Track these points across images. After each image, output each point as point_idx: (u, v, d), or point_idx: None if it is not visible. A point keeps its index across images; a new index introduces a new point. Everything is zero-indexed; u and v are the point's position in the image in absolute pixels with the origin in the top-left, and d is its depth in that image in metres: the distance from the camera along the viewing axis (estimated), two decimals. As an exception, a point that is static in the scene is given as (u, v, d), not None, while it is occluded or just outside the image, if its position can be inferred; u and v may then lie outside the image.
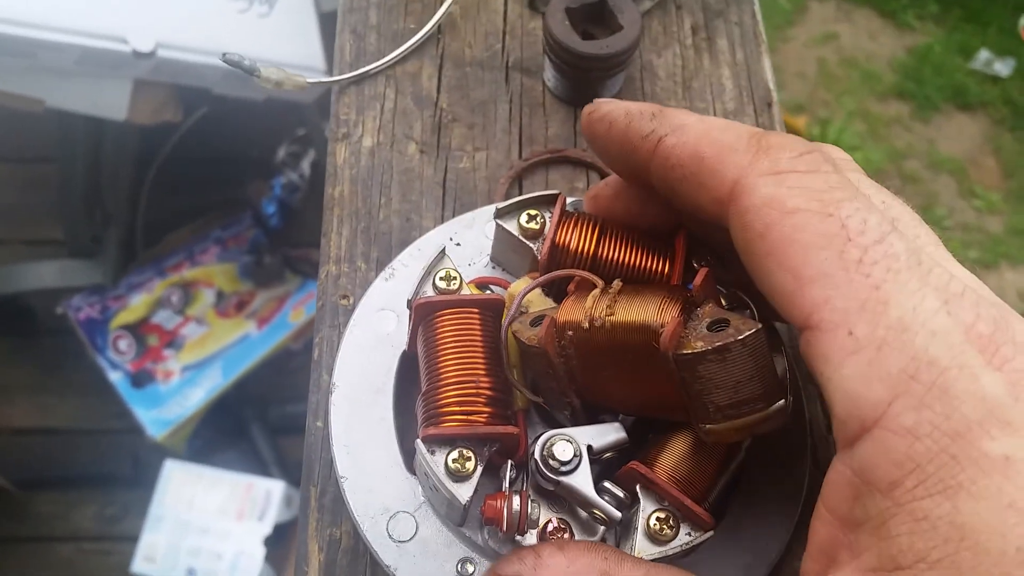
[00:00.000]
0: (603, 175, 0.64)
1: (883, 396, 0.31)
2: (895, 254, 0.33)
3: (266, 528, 1.81)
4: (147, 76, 1.47)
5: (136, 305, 1.94)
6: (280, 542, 1.82)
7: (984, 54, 2.96)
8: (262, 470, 1.92)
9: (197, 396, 1.90)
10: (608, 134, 0.45)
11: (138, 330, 1.93)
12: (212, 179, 2.07)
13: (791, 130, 2.72)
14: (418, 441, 0.45)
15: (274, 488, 1.83)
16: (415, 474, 0.51)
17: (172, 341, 1.94)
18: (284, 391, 1.98)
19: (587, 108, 0.46)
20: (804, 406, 0.55)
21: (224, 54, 0.59)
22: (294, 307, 2.01)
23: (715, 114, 0.67)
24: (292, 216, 2.09)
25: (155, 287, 1.97)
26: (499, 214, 0.53)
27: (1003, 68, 2.94)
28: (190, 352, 1.94)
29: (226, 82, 1.56)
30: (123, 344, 1.91)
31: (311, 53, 1.56)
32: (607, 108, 0.45)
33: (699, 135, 0.40)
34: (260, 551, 1.80)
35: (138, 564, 1.80)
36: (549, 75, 0.66)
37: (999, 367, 0.30)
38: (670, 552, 0.44)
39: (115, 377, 1.87)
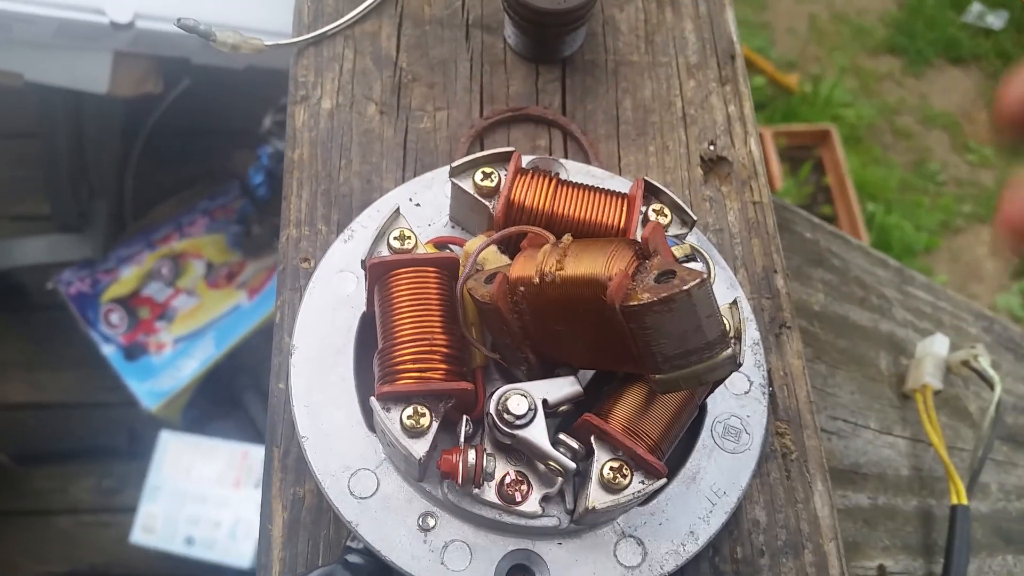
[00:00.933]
0: (566, 133, 0.64)
1: None
2: None
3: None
4: (127, 48, 1.46)
5: (127, 278, 1.94)
6: (277, 509, 1.84)
7: (976, 7, 2.93)
8: (257, 438, 1.93)
9: (190, 367, 1.90)
10: None
11: (129, 303, 1.93)
12: (198, 150, 2.06)
13: (783, 87, 2.71)
14: (372, 399, 0.46)
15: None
16: (376, 432, 0.51)
17: (163, 313, 1.94)
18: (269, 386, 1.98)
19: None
20: (763, 358, 0.56)
21: (179, 19, 0.58)
22: (284, 276, 2.00)
23: (677, 68, 0.66)
24: (279, 185, 2.09)
25: (145, 260, 1.96)
26: (454, 172, 0.53)
27: (996, 21, 2.91)
28: (182, 323, 1.94)
29: (205, 52, 1.54)
30: (115, 317, 1.91)
31: (288, 19, 1.55)
32: None
33: None
34: (258, 518, 1.82)
35: (137, 534, 1.82)
36: (509, 32, 0.65)
37: None
38: (623, 500, 0.45)
39: (108, 350, 1.87)
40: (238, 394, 2.00)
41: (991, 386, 0.79)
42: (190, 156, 2.05)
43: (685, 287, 0.38)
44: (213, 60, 1.59)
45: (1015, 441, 0.91)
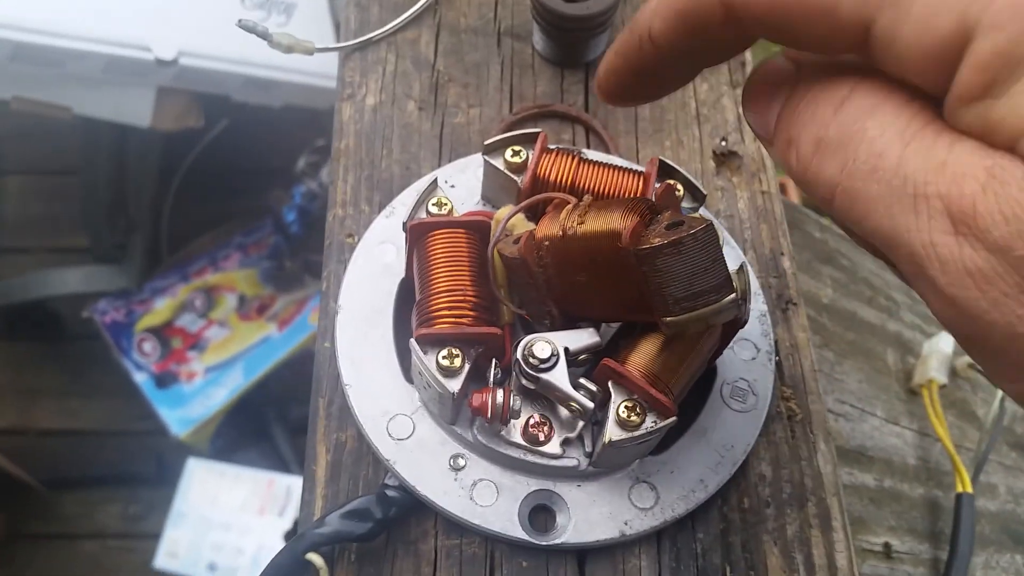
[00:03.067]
0: (588, 128, 0.69)
1: None
2: None
3: (286, 523, 1.86)
4: (169, 83, 1.54)
5: (160, 309, 2.01)
6: (300, 538, 1.86)
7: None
8: (283, 467, 1.97)
9: (220, 396, 1.95)
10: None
11: (162, 333, 1.99)
12: (234, 188, 2.14)
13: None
14: (412, 340, 0.51)
15: (294, 484, 1.87)
16: (412, 382, 0.56)
17: (196, 343, 2.00)
18: (304, 391, 2.01)
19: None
20: (770, 328, 0.60)
21: (240, 19, 0.65)
22: (314, 310, 2.06)
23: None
24: (311, 223, 2.16)
25: (179, 291, 2.03)
26: (487, 150, 0.58)
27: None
28: (213, 354, 1.99)
29: (245, 89, 1.62)
30: (148, 346, 1.97)
31: (328, 59, 1.63)
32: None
33: None
34: (281, 546, 1.84)
35: (161, 559, 1.85)
36: (537, 38, 0.71)
37: None
38: (637, 436, 0.49)
39: (140, 378, 1.93)
40: (265, 424, 2.04)
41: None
42: (226, 193, 2.13)
43: (692, 231, 0.43)
44: (252, 98, 1.67)
45: (1023, 448, 0.94)
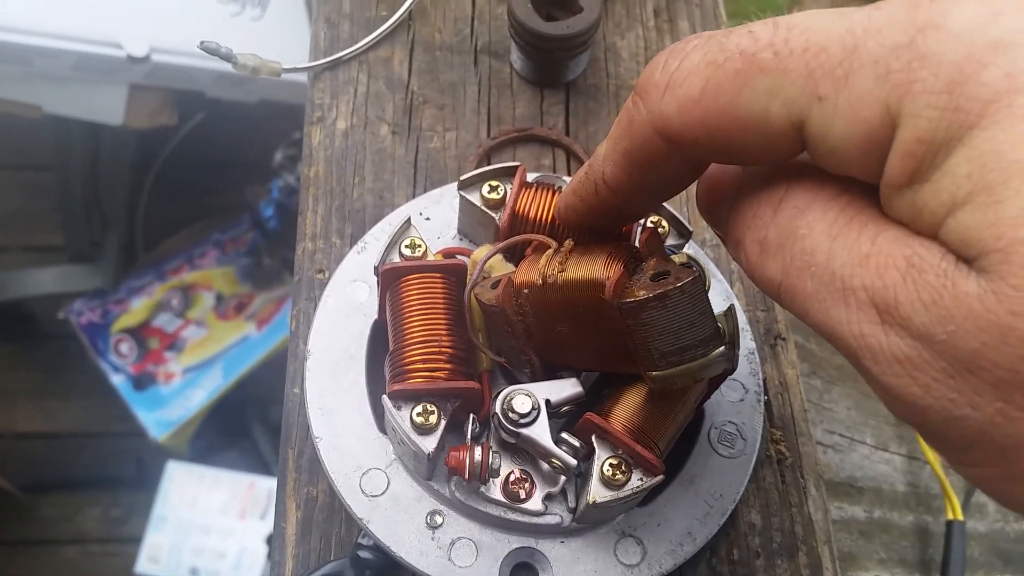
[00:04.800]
0: (569, 152, 0.66)
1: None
2: None
3: (268, 527, 1.83)
4: (142, 80, 1.50)
5: (137, 309, 1.97)
6: (282, 539, 1.84)
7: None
8: (264, 469, 1.95)
9: (198, 397, 1.92)
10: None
11: (139, 333, 1.95)
12: (210, 183, 2.10)
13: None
14: (384, 397, 0.48)
15: (276, 487, 1.85)
16: (386, 433, 0.53)
17: (173, 344, 1.97)
18: (284, 391, 2.00)
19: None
20: (758, 367, 0.58)
21: (202, 42, 0.61)
22: (293, 308, 2.03)
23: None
24: (290, 218, 2.12)
25: (155, 291, 1.99)
26: (462, 185, 0.55)
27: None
28: (191, 354, 1.96)
29: (219, 85, 1.59)
30: (124, 347, 1.94)
31: (303, 54, 1.59)
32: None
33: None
34: (263, 549, 1.82)
35: (142, 564, 1.83)
36: (515, 57, 0.68)
37: None
38: (623, 496, 0.46)
39: (117, 380, 1.89)
40: (245, 425, 2.01)
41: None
42: (202, 189, 2.09)
43: (679, 284, 0.40)
44: (227, 94, 1.63)
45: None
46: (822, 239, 0.29)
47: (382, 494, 0.52)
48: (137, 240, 2.02)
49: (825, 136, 0.28)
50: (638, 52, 0.71)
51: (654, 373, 0.44)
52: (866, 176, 0.29)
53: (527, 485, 0.50)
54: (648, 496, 0.53)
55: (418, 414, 0.48)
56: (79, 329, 1.92)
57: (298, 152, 2.16)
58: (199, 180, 2.08)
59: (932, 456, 0.77)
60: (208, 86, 1.58)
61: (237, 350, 1.98)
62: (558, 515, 0.51)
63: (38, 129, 1.72)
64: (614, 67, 0.70)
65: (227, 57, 0.63)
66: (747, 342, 0.58)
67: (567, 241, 0.49)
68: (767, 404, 0.58)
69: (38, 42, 1.33)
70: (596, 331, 0.46)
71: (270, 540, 1.81)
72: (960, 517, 0.75)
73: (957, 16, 0.26)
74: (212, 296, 2.02)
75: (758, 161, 0.33)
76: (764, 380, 0.58)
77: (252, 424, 2.01)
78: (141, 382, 1.91)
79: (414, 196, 0.64)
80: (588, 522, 0.51)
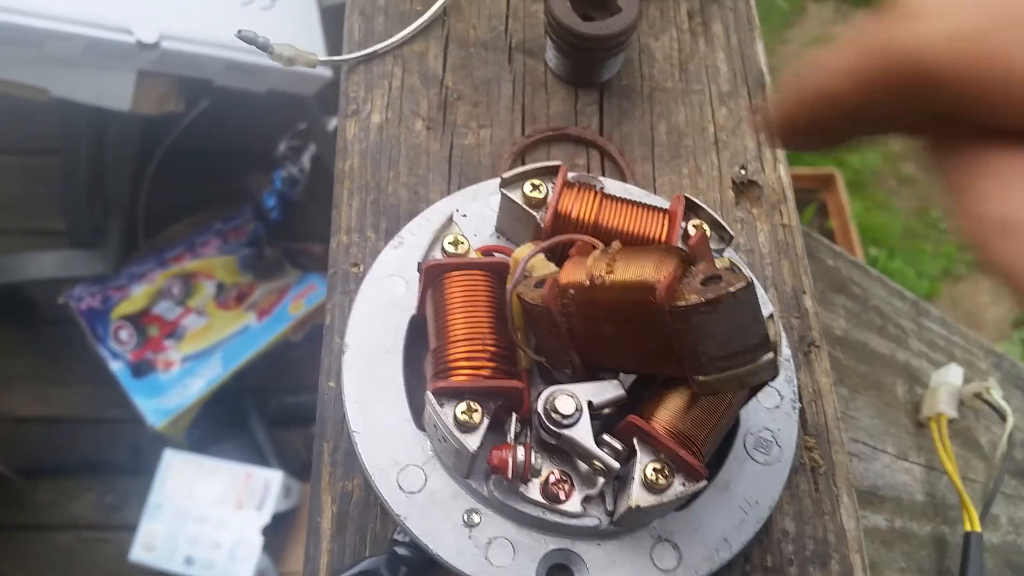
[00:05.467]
0: (603, 153, 0.66)
1: None
2: None
3: (264, 517, 1.82)
4: (151, 67, 1.49)
5: (137, 296, 1.96)
6: (278, 532, 1.84)
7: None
8: (261, 460, 1.94)
9: (197, 386, 1.91)
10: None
11: (139, 320, 1.94)
12: (213, 172, 2.09)
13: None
14: (428, 393, 0.48)
15: (273, 478, 1.84)
16: (424, 430, 0.53)
17: (173, 332, 1.96)
18: (283, 383, 2.00)
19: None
20: (793, 374, 0.58)
21: (240, 30, 0.61)
22: (294, 299, 2.02)
23: (710, 96, 0.69)
24: (292, 209, 2.11)
25: (156, 278, 1.98)
26: (504, 184, 0.55)
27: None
28: (190, 343, 1.95)
29: (229, 73, 1.58)
30: (124, 334, 1.93)
31: (313, 45, 1.58)
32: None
33: None
34: (258, 540, 1.82)
35: (136, 552, 1.81)
36: (550, 55, 0.68)
37: None
38: (665, 500, 0.46)
39: (116, 367, 1.88)
40: (243, 415, 2.01)
41: (1003, 418, 0.81)
42: (205, 177, 2.08)
43: (732, 289, 0.40)
44: (236, 82, 1.62)
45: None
46: None
47: (419, 491, 0.51)
48: (139, 227, 2.01)
49: None
50: (672, 54, 0.71)
51: (701, 378, 0.44)
52: None
53: (566, 487, 0.50)
54: (684, 501, 0.53)
55: (462, 412, 0.47)
56: (79, 314, 1.91)
57: (302, 143, 2.15)
58: (202, 168, 2.07)
59: (952, 468, 0.77)
60: (217, 74, 1.57)
61: (237, 340, 1.97)
62: (596, 517, 0.51)
63: (42, 114, 1.71)
64: (648, 69, 0.70)
65: (264, 47, 0.62)
66: (783, 348, 0.58)
67: (614, 242, 0.48)
68: (801, 411, 0.58)
69: (50, 25, 1.32)
70: (642, 333, 0.46)
71: (266, 531, 1.81)
72: (978, 529, 0.75)
73: None
74: (213, 285, 2.01)
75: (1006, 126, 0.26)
76: (799, 387, 0.58)
77: (250, 415, 2.00)
78: (140, 369, 1.90)
79: (448, 192, 0.63)
80: (626, 526, 0.51)
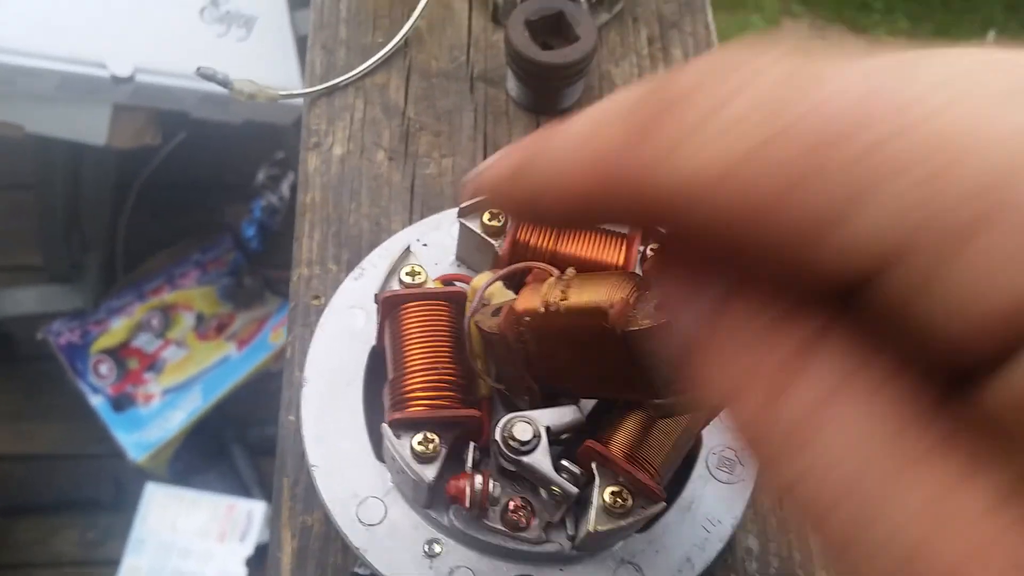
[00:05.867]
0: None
1: None
2: None
3: (248, 549, 1.81)
4: (126, 100, 1.49)
5: (116, 329, 1.95)
6: (262, 563, 1.82)
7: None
8: (243, 491, 1.93)
9: (178, 418, 1.90)
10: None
11: (118, 354, 1.93)
12: (191, 203, 2.09)
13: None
14: (384, 425, 0.48)
15: (255, 509, 1.83)
16: (384, 461, 0.53)
17: (152, 364, 1.95)
18: (264, 412, 1.99)
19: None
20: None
21: (199, 68, 0.61)
22: (274, 328, 2.02)
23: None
24: (272, 238, 2.11)
25: (135, 311, 1.98)
26: (462, 213, 0.55)
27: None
28: (170, 375, 1.94)
29: (204, 106, 1.58)
30: (104, 368, 1.92)
31: (289, 76, 1.59)
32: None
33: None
34: (242, 572, 1.80)
35: (120, 588, 1.80)
36: (511, 85, 0.69)
37: None
38: (624, 524, 0.46)
39: (96, 401, 1.87)
40: (225, 446, 2.00)
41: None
42: (183, 208, 2.08)
43: (684, 315, 0.41)
44: (212, 114, 1.63)
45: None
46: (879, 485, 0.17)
47: (379, 523, 0.51)
48: (117, 260, 2.01)
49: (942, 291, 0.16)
50: (632, 80, 0.71)
51: (657, 401, 0.44)
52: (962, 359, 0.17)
53: (526, 513, 0.50)
54: (647, 523, 0.53)
55: (419, 443, 0.47)
56: (58, 350, 1.90)
57: (280, 171, 2.15)
58: (180, 200, 2.07)
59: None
60: (193, 106, 1.57)
61: (217, 371, 1.96)
62: (557, 543, 0.51)
63: (17, 149, 1.71)
64: (608, 94, 0.71)
65: (223, 83, 0.63)
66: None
67: (569, 269, 0.49)
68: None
69: (22, 62, 1.33)
70: (598, 358, 0.46)
71: (249, 563, 1.79)
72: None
73: None
74: (192, 316, 2.01)
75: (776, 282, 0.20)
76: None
77: (231, 445, 1.99)
78: (120, 403, 1.89)
79: (410, 222, 0.64)
80: (588, 550, 0.51)
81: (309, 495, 0.54)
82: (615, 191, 0.21)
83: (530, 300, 0.48)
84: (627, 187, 0.20)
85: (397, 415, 0.48)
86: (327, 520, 0.53)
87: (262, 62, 1.61)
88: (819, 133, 0.18)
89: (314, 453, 0.53)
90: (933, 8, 3.17)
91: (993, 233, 0.16)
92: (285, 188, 2.15)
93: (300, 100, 0.65)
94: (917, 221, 0.16)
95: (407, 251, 0.54)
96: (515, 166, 0.25)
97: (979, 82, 0.18)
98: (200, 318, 2.01)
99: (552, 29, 0.67)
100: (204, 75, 0.62)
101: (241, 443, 1.99)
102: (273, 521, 0.53)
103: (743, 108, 0.19)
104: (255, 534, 1.82)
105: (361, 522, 0.51)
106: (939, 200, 0.16)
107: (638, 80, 0.72)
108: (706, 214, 0.19)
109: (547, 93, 0.68)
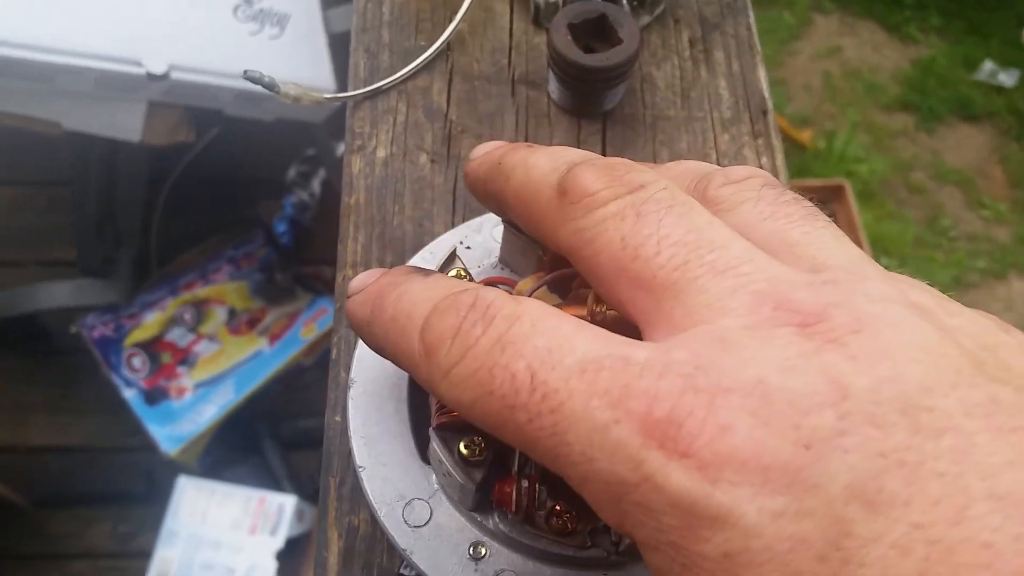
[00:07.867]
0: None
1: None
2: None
3: (278, 542, 1.83)
4: (161, 98, 1.51)
5: (149, 323, 1.98)
6: (292, 556, 1.84)
7: (988, 65, 2.99)
8: (274, 485, 1.95)
9: (210, 412, 1.92)
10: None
11: (151, 348, 1.96)
12: (224, 199, 2.11)
13: (796, 143, 2.75)
14: (431, 429, 0.48)
15: (286, 502, 1.85)
16: (429, 463, 0.53)
17: (185, 358, 1.97)
18: (296, 406, 2.01)
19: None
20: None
21: (245, 71, 0.62)
22: (305, 324, 2.04)
23: (712, 123, 0.70)
24: (303, 234, 2.13)
25: (168, 305, 2.00)
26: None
27: (1007, 79, 2.96)
28: (203, 369, 1.97)
29: (238, 103, 1.59)
30: (137, 362, 1.94)
31: (321, 73, 1.60)
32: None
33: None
34: (272, 565, 1.82)
35: (151, 579, 1.82)
36: (553, 87, 0.69)
37: (684, 453, 0.25)
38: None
39: (129, 394, 1.90)
40: (256, 440, 2.02)
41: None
42: (215, 204, 2.10)
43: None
44: (245, 112, 1.64)
45: None
46: None
47: (425, 524, 0.52)
48: (151, 255, 2.03)
49: None
50: (674, 82, 0.71)
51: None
52: None
53: (572, 519, 0.50)
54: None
55: (466, 446, 0.48)
56: (92, 343, 1.92)
57: (311, 168, 2.17)
58: (213, 196, 2.10)
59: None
60: (226, 104, 1.59)
61: (249, 365, 1.98)
62: (602, 549, 0.51)
63: (54, 146, 1.73)
64: (651, 97, 0.71)
65: (270, 86, 0.63)
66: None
67: (616, 276, 0.49)
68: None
69: (61, 60, 1.34)
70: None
71: (280, 556, 1.81)
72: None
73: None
74: (225, 311, 2.03)
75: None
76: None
77: (263, 440, 2.01)
78: (153, 396, 1.91)
79: (453, 224, 0.64)
80: (632, 557, 0.51)
81: (355, 495, 0.54)
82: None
83: (575, 309, 0.48)
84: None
85: (444, 419, 0.48)
86: (373, 521, 0.53)
87: (295, 60, 1.62)
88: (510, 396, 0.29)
89: (361, 454, 0.53)
90: (966, 4, 3.13)
91: None
92: (316, 184, 2.16)
93: (346, 135, 0.65)
94: None
95: (453, 254, 0.54)
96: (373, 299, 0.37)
97: None
98: (232, 313, 2.03)
99: (594, 32, 0.67)
100: (251, 78, 0.62)
101: (272, 437, 2.01)
102: (320, 521, 0.53)
103: (470, 367, 0.30)
104: (285, 527, 1.83)
105: (407, 524, 0.51)
106: None
107: (679, 83, 0.72)
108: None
109: (589, 96, 0.68)
